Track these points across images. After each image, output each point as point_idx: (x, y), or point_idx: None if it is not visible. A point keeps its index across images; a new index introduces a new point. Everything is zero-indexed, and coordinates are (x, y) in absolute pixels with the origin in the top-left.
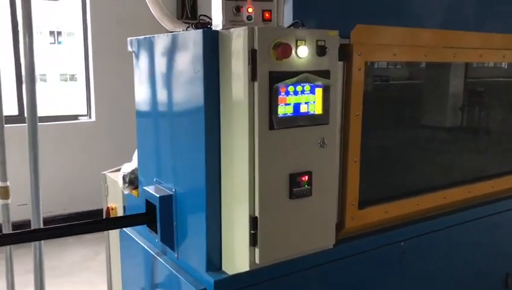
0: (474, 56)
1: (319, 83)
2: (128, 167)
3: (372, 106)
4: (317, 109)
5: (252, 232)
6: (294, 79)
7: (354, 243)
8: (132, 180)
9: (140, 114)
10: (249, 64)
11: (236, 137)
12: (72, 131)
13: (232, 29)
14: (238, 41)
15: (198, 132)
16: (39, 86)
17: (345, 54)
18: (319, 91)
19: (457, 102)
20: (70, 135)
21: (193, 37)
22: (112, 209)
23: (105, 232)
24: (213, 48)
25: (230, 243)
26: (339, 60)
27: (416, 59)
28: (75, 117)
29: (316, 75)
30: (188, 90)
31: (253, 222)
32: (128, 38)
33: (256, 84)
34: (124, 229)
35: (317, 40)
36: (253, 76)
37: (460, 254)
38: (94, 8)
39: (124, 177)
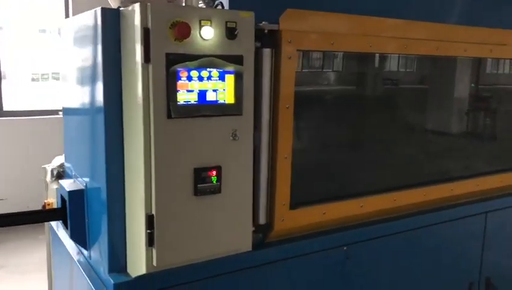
0: (429, 48)
1: (230, 68)
2: (58, 160)
3: (310, 99)
4: (228, 97)
5: (149, 231)
6: (195, 62)
7: (283, 246)
8: (60, 174)
9: (64, 106)
10: (141, 44)
11: (134, 127)
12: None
13: (131, 6)
14: (133, 19)
15: (99, 123)
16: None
17: (273, 40)
18: (230, 78)
19: (407, 96)
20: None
21: (93, 17)
22: (48, 204)
23: (47, 230)
24: (113, 28)
25: (133, 243)
26: (266, 47)
27: (359, 49)
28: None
29: (227, 60)
30: (90, 79)
31: (150, 220)
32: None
33: (150, 66)
34: (53, 226)
35: (226, 22)
36: (146, 57)
37: (416, 262)
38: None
39: (52, 171)
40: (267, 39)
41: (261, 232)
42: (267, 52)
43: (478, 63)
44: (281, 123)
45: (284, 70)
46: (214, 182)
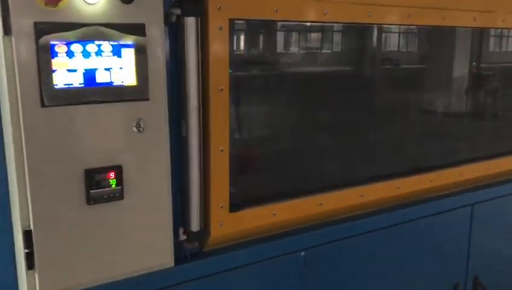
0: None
1: (127, 41)
2: None
3: (253, 80)
4: (127, 78)
5: (26, 251)
6: (75, 33)
7: (220, 256)
8: None
9: None
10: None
11: (3, 121)
12: None
13: None
14: None
15: None
16: None
17: (198, 6)
18: (128, 53)
19: (374, 77)
20: None
21: None
22: None
23: None
24: None
25: (19, 264)
26: (189, 16)
27: (311, 18)
28: None
29: (122, 30)
30: None
31: (27, 236)
32: None
33: (13, 40)
34: None
35: None
36: (5, 28)
37: (390, 266)
38: None
39: None
40: (190, 5)
41: (197, 241)
42: (190, 21)
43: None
44: (213, 109)
45: (213, 45)
46: (113, 186)
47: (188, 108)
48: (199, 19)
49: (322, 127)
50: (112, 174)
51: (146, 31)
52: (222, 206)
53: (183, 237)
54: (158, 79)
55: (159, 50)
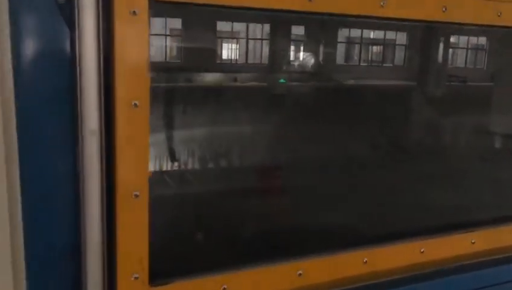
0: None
1: None
2: None
3: (188, 91)
4: None
5: None
6: None
7: None
8: None
9: None
10: None
11: None
12: None
13: None
14: None
15: None
16: None
17: None
18: None
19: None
20: None
21: None
22: None
23: None
24: None
25: None
26: None
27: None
28: None
29: None
30: None
31: None
32: None
33: None
34: None
35: None
36: None
37: None
38: None
39: None
40: None
41: None
42: (87, 2)
43: None
44: (122, 134)
45: (122, 39)
46: None
47: (82, 132)
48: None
49: (301, 161)
50: None
51: None
52: (137, 278)
53: None
54: None
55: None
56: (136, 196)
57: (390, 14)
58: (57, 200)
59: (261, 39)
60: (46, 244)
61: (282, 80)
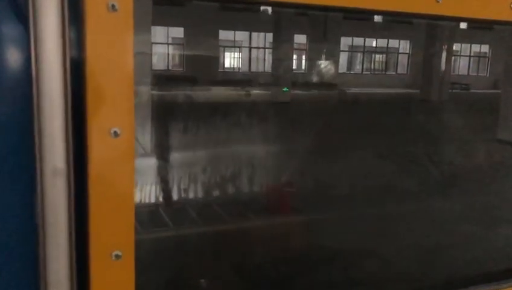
0: None
1: None
2: None
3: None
4: None
5: None
6: None
7: None
8: None
9: None
10: None
11: None
12: None
13: None
14: None
15: None
16: None
17: None
18: None
19: None
20: None
21: None
22: None
23: None
24: None
25: None
26: None
27: None
28: None
29: None
30: None
31: None
32: None
33: None
34: None
35: None
36: None
37: None
38: None
39: None
40: None
41: None
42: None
43: None
44: (95, 174)
45: (95, 43)
46: None
47: (40, 172)
48: None
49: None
50: None
51: None
52: None
53: None
54: None
55: None
56: (117, 256)
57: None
58: (11, 264)
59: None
60: None
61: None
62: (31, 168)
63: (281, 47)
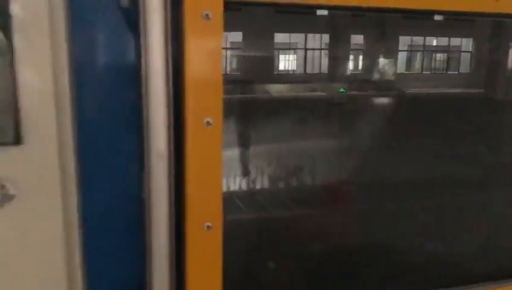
0: None
1: None
2: None
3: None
4: None
5: None
6: None
7: None
8: None
9: None
10: None
11: None
12: None
13: None
14: None
15: None
16: None
17: None
18: None
19: None
20: None
21: None
22: None
23: None
24: None
25: None
26: None
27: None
28: None
29: None
30: None
31: None
32: None
33: None
34: None
35: None
36: None
37: None
38: None
39: None
40: None
41: None
42: (153, 2)
43: None
44: (193, 157)
45: (193, 46)
46: None
47: (147, 154)
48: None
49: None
50: None
51: (11, 9)
52: None
53: None
54: (44, 104)
55: (46, 50)
56: (209, 227)
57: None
58: (121, 231)
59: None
60: (109, 281)
61: None
62: (140, 152)
63: (337, 48)
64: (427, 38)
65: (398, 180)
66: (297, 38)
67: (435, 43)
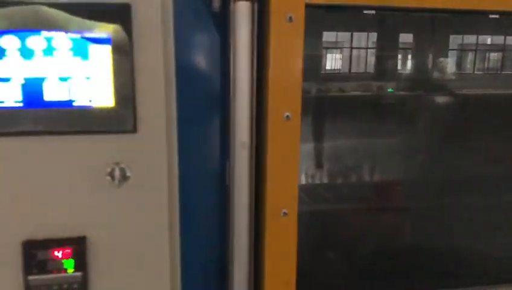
0: None
1: (100, 32)
2: None
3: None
4: (98, 95)
5: None
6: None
7: None
8: None
9: None
10: None
11: None
12: None
13: None
14: None
15: None
16: None
17: None
18: (100, 53)
19: None
20: None
21: None
22: None
23: None
24: None
25: None
26: None
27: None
28: None
29: (92, 13)
30: None
31: None
32: None
33: None
34: None
35: None
36: None
37: None
38: None
39: None
40: None
41: None
42: (241, 7)
43: None
44: (273, 148)
45: (278, 46)
46: (70, 270)
47: (232, 144)
48: (256, 3)
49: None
50: (68, 251)
51: (133, 16)
52: None
53: None
54: (155, 97)
55: (159, 48)
56: (285, 214)
57: None
58: (210, 214)
59: None
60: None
61: None
62: (226, 142)
63: (385, 47)
64: (480, 36)
65: (460, 179)
66: (343, 37)
67: (489, 41)
